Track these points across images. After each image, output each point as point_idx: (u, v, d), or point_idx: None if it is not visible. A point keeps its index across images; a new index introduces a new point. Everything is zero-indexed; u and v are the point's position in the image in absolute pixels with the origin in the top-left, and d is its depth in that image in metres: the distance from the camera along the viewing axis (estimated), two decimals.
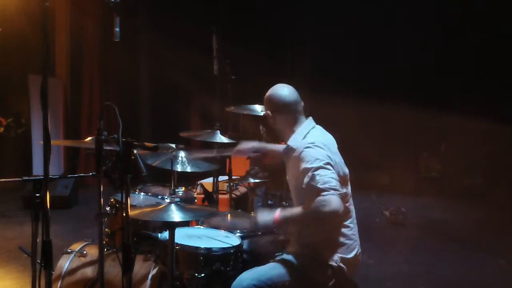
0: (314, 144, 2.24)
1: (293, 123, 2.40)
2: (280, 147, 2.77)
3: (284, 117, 2.41)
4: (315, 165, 2.15)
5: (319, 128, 2.42)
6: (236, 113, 3.71)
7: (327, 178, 2.11)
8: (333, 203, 2.05)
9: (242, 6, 8.21)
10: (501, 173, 7.55)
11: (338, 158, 2.32)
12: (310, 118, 2.44)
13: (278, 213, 2.23)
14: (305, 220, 2.21)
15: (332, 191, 2.07)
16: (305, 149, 2.23)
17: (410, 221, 5.98)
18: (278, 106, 2.41)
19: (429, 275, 4.20)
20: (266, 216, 2.27)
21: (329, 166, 2.16)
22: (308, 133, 2.35)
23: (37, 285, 2.09)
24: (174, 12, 7.99)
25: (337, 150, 2.37)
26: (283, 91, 2.43)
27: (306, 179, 2.15)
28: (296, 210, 2.24)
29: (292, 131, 2.38)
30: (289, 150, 2.35)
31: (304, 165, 2.18)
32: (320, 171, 2.13)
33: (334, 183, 2.10)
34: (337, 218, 2.15)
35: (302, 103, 2.44)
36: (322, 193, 2.07)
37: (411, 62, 7.96)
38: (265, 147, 2.78)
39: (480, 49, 7.59)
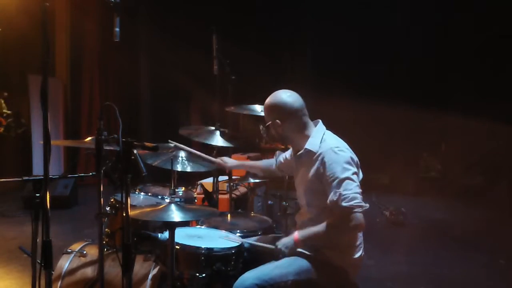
0: (339, 148, 2.21)
1: (304, 128, 2.35)
2: (259, 162, 2.98)
3: (293, 124, 2.34)
4: (342, 175, 2.13)
5: (331, 133, 2.38)
6: (236, 113, 3.70)
7: (352, 193, 2.10)
8: (359, 220, 2.10)
9: (242, 6, 8.21)
10: (501, 173, 7.55)
11: (359, 164, 2.29)
12: (320, 121, 2.41)
13: (297, 234, 2.24)
14: (329, 237, 2.20)
15: (357, 209, 2.09)
16: (332, 153, 2.19)
17: (410, 221, 5.99)
18: (286, 114, 2.33)
19: (429, 275, 4.19)
20: (287, 240, 2.27)
21: (355, 176, 2.15)
22: (323, 136, 2.31)
23: (37, 285, 2.09)
24: (174, 12, 7.99)
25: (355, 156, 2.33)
26: (289, 97, 2.35)
27: (332, 196, 2.13)
28: (318, 228, 2.20)
29: (305, 136, 2.33)
30: (307, 153, 2.30)
31: (332, 171, 2.15)
32: (347, 185, 2.11)
33: (359, 199, 2.11)
34: (359, 232, 2.24)
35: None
36: (350, 212, 2.09)
37: (411, 62, 7.96)
38: (244, 165, 3.06)
39: (480, 49, 7.59)
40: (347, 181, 2.12)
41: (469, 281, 4.09)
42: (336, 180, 2.13)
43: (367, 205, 2.17)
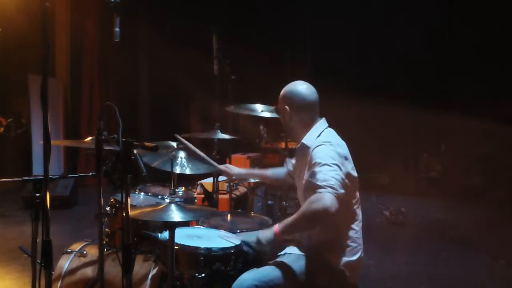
0: (329, 143, 2.22)
1: (310, 123, 2.36)
2: (268, 171, 2.92)
3: (302, 116, 2.36)
4: (323, 161, 2.11)
5: (331, 130, 2.39)
6: (236, 113, 3.71)
7: (327, 176, 2.05)
8: (326, 200, 1.98)
9: (242, 6, 8.22)
10: (501, 173, 7.55)
11: (350, 165, 2.28)
12: (323, 119, 2.42)
13: (276, 226, 2.19)
14: (301, 222, 2.12)
15: (328, 189, 2.01)
16: (318, 146, 2.20)
17: (410, 221, 5.98)
18: (298, 104, 2.35)
19: (429, 275, 4.19)
20: (267, 232, 2.22)
21: (335, 167, 2.11)
22: (321, 132, 2.33)
23: (37, 285, 2.09)
24: (174, 12, 7.99)
25: (349, 155, 2.31)
26: (306, 89, 2.37)
27: (306, 176, 2.12)
28: (294, 216, 2.15)
29: (305, 131, 2.36)
30: (304, 148, 2.33)
31: (314, 160, 2.15)
32: (323, 168, 2.09)
33: (333, 182, 2.04)
34: (328, 218, 2.04)
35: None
36: (318, 190, 2.03)
37: (411, 62, 7.96)
38: (252, 173, 3.03)
39: (480, 49, 7.59)
40: (325, 166, 2.09)
41: (469, 281, 4.09)
42: (318, 165, 2.11)
43: (342, 191, 2.06)
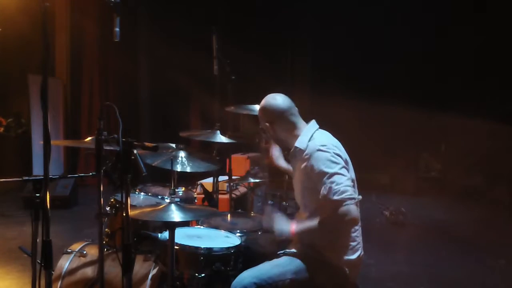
0: (326, 147, 2.23)
1: (294, 128, 2.39)
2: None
3: (283, 125, 2.40)
4: (331, 170, 2.14)
5: (323, 131, 2.41)
6: (236, 113, 3.71)
7: (343, 187, 2.10)
8: (352, 213, 2.09)
9: (242, 6, 8.21)
10: (501, 173, 7.55)
11: (349, 164, 2.31)
12: (313, 120, 2.44)
13: (295, 226, 2.24)
14: (324, 231, 2.19)
15: (349, 201, 2.08)
16: (317, 152, 2.22)
17: (410, 221, 5.98)
18: (274, 116, 2.40)
19: (429, 275, 4.19)
20: (284, 225, 2.27)
21: (344, 170, 2.16)
22: (313, 134, 2.34)
23: (37, 285, 2.09)
24: (174, 12, 7.99)
25: (346, 155, 2.33)
26: (275, 100, 2.42)
27: (323, 191, 2.13)
28: (313, 223, 2.20)
29: (296, 136, 2.37)
30: (297, 152, 2.34)
31: (319, 168, 2.17)
32: (336, 179, 2.12)
33: (350, 192, 2.11)
34: (354, 226, 2.22)
35: (296, 108, 2.44)
36: (341, 205, 2.08)
37: (411, 62, 7.95)
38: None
39: (480, 49, 7.59)
40: (336, 175, 2.13)
41: (469, 281, 4.09)
42: (326, 176, 2.14)
43: (360, 196, 2.19)
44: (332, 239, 2.27)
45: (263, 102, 2.46)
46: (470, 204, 7.10)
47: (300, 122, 2.42)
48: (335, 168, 2.15)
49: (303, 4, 8.18)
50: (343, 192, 2.09)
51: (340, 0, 7.98)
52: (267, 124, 2.42)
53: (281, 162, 2.95)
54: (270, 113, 2.41)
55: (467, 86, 7.74)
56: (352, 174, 2.29)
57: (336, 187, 2.10)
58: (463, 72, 7.88)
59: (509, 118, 6.81)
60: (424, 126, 8.22)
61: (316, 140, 2.30)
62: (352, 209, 2.09)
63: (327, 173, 2.14)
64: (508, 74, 7.27)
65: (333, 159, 2.18)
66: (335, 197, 2.09)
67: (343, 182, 2.12)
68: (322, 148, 2.22)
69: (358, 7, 7.92)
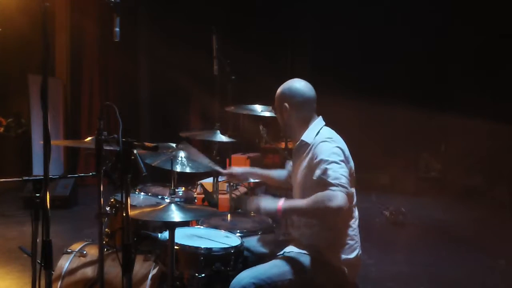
0: (331, 139, 2.24)
1: (308, 120, 2.38)
2: (271, 172, 2.87)
3: (301, 113, 2.37)
4: (330, 158, 2.14)
5: (329, 128, 2.40)
6: (236, 113, 3.71)
7: (338, 174, 2.09)
8: (339, 199, 2.01)
9: (242, 6, 8.21)
10: (501, 173, 7.55)
11: (351, 162, 2.30)
12: (321, 117, 2.43)
13: (282, 203, 2.18)
14: (309, 212, 2.14)
15: (340, 187, 2.05)
16: (322, 143, 2.22)
17: (410, 221, 5.98)
18: (298, 101, 2.36)
19: (429, 275, 4.19)
20: (270, 203, 2.22)
21: (342, 164, 2.15)
22: (320, 130, 2.34)
23: (37, 285, 2.09)
24: (174, 12, 7.99)
25: (348, 152, 2.32)
26: (305, 86, 2.39)
27: (318, 171, 2.13)
28: (301, 201, 2.18)
29: (304, 128, 2.37)
30: (303, 145, 2.34)
31: (320, 157, 2.17)
32: (333, 165, 2.11)
33: (344, 180, 2.08)
34: (338, 216, 2.11)
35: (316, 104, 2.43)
36: (331, 188, 2.05)
37: (411, 62, 7.96)
38: (254, 173, 2.90)
39: (480, 49, 7.59)
40: (334, 163, 2.12)
41: (469, 281, 4.09)
42: (325, 162, 2.13)
43: (353, 189, 2.18)
44: (324, 234, 2.25)
45: (290, 82, 2.41)
46: (470, 204, 7.09)
47: (314, 117, 2.40)
48: (335, 158, 2.15)
49: (303, 4, 8.18)
50: (337, 178, 2.07)
51: (340, 0, 7.98)
52: (286, 104, 2.37)
53: (241, 170, 2.93)
54: (296, 96, 2.36)
55: (467, 86, 7.74)
56: (352, 164, 2.29)
57: (331, 172, 2.09)
58: (463, 72, 7.88)
59: (509, 118, 6.80)
60: (424, 126, 8.22)
61: (321, 135, 2.31)
62: (340, 196, 2.02)
63: (326, 160, 2.14)
64: (508, 74, 7.26)
65: (335, 150, 2.18)
66: (328, 179, 2.07)
67: (339, 171, 2.10)
68: (327, 140, 2.23)
69: (358, 7, 7.92)
